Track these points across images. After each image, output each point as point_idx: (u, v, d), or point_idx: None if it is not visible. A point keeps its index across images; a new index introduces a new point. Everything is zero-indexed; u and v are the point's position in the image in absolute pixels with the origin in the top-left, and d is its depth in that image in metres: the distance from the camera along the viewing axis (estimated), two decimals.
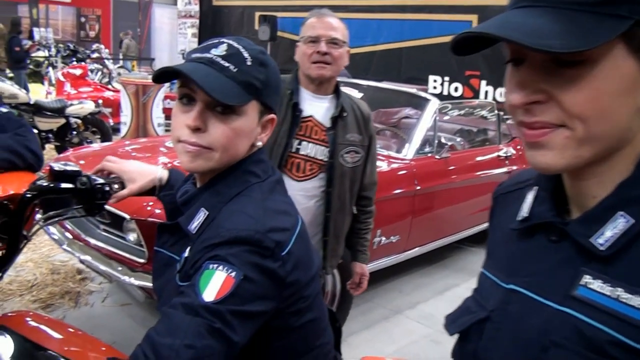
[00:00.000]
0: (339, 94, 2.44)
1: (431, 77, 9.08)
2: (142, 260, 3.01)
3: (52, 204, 1.61)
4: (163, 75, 1.19)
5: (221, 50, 1.17)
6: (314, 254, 1.31)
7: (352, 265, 2.77)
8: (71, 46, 18.79)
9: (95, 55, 17.87)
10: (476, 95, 8.68)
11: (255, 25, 11.71)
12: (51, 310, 3.90)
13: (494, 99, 8.47)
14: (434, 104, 4.50)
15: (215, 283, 1.05)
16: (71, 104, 7.59)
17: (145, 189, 1.61)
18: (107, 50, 19.14)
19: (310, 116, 2.40)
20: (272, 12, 11.05)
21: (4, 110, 2.03)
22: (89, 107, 7.66)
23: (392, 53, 9.60)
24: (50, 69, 15.40)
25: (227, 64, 1.15)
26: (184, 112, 1.18)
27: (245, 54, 1.17)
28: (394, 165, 4.03)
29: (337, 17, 2.41)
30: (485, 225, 4.25)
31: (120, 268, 3.07)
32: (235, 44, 1.18)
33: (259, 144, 1.26)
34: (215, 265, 1.07)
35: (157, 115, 9.39)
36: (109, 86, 13.00)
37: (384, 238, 3.87)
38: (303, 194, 2.42)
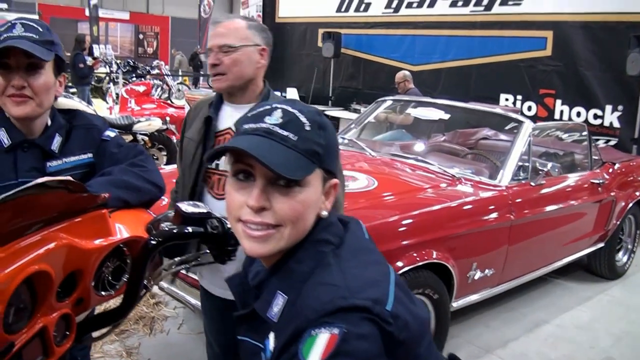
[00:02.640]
0: (263, 98, 2.23)
1: (503, 96, 8.73)
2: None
3: (173, 248, 1.43)
4: (219, 154, 1.11)
5: (276, 117, 1.06)
6: (418, 304, 1.14)
7: None
8: (131, 62, 19.21)
9: (155, 71, 18.17)
10: (551, 115, 8.29)
11: (318, 42, 11.57)
12: (126, 337, 3.78)
13: (570, 119, 8.09)
14: (528, 127, 4.22)
15: (319, 345, 0.95)
16: (138, 121, 7.58)
17: None
18: (167, 67, 19.44)
19: (229, 128, 2.21)
20: (335, 28, 10.94)
21: (112, 134, 1.84)
22: (156, 124, 7.63)
23: (461, 71, 9.29)
24: (111, 84, 15.70)
25: (285, 133, 1.04)
26: (241, 188, 1.08)
27: (303, 119, 1.07)
28: (489, 193, 3.76)
29: (240, 17, 2.21)
30: (577, 255, 3.98)
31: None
32: (290, 109, 1.07)
33: (324, 213, 1.12)
34: (317, 330, 0.96)
35: None
36: (168, 102, 13.11)
37: (478, 272, 3.60)
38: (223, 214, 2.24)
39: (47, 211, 1.18)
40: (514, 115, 4.58)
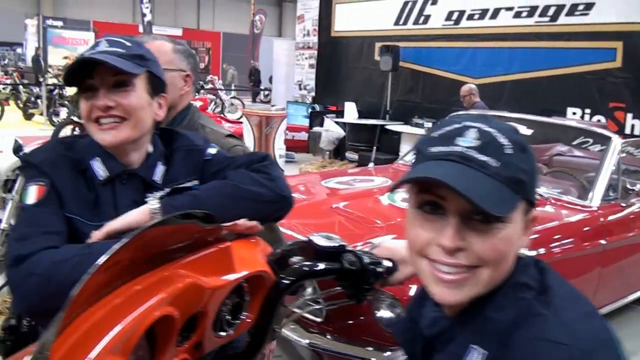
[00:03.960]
0: (175, 121, 2.09)
1: (570, 109, 8.42)
2: (319, 320, 2.70)
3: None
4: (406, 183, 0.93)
5: (471, 138, 0.89)
6: None
7: None
8: None
9: (209, 86, 18.37)
10: (621, 129, 7.92)
11: (375, 56, 11.46)
12: None
13: None
14: (617, 143, 4.00)
15: None
16: None
17: None
18: (220, 82, 19.66)
19: None
20: (392, 42, 10.79)
21: (213, 150, 1.58)
22: None
23: (525, 83, 9.01)
24: None
25: (484, 158, 0.88)
26: (427, 222, 0.92)
27: (502, 139, 0.89)
28: (581, 215, 3.55)
29: (166, 39, 2.12)
30: None
31: (292, 326, 2.75)
32: (485, 127, 0.90)
33: (523, 252, 0.95)
34: None
35: (279, 147, 9.34)
36: (222, 116, 13.20)
37: None
38: None
39: (176, 243, 1.07)
40: (599, 131, 4.35)
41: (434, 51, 10.43)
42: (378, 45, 11.26)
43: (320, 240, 1.21)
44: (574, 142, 4.86)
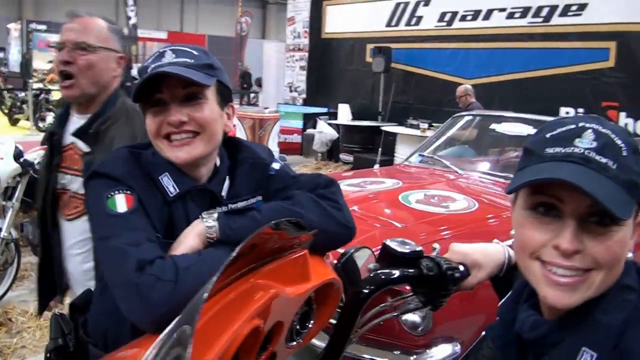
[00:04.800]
0: (107, 105, 1.96)
1: (563, 109, 8.46)
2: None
3: None
4: (534, 184, 0.90)
5: (589, 140, 0.88)
6: None
7: None
8: None
9: None
10: None
11: (366, 57, 11.47)
12: None
13: (635, 132, 7.81)
14: None
15: None
16: None
17: (493, 275, 1.26)
18: None
19: (72, 143, 1.97)
20: (384, 43, 10.81)
21: (277, 166, 1.48)
22: None
23: (519, 84, 9.07)
24: None
25: (604, 160, 0.87)
26: (541, 224, 0.91)
27: (618, 141, 0.88)
28: None
29: (101, 17, 2.00)
30: None
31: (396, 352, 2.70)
32: (601, 129, 0.89)
33: (630, 255, 0.93)
34: None
35: (273, 149, 9.26)
36: None
37: None
38: (78, 238, 1.99)
39: (266, 249, 1.04)
40: None
41: (427, 52, 10.46)
42: (370, 46, 11.28)
43: (397, 246, 1.18)
44: None
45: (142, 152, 1.37)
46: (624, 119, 8.01)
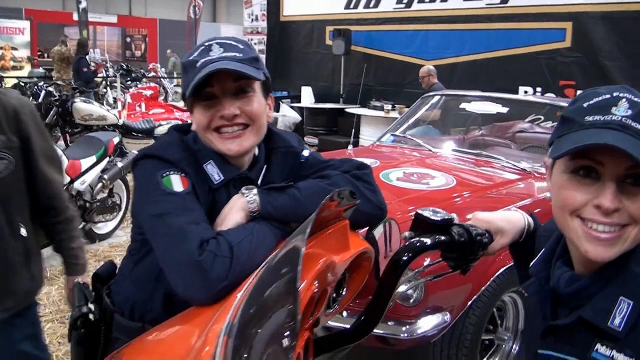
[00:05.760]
0: None
1: (522, 89, 8.65)
2: (415, 299, 2.71)
3: None
4: (583, 149, 0.97)
5: (624, 108, 0.99)
6: None
7: (66, 280, 2.23)
8: (125, 66, 18.93)
9: (151, 74, 17.94)
10: None
11: (326, 40, 11.46)
12: None
13: None
14: None
15: None
16: (160, 125, 7.43)
17: (515, 241, 1.34)
18: (163, 70, 19.23)
19: None
20: (344, 25, 10.83)
21: (307, 153, 1.54)
22: None
23: (477, 65, 9.21)
24: (108, 89, 15.45)
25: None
26: (582, 186, 1.01)
27: None
28: None
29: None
30: None
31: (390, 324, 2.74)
32: (634, 98, 1.00)
33: None
34: None
35: None
36: (174, 105, 12.93)
37: None
38: None
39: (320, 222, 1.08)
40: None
41: (386, 34, 10.51)
42: (329, 29, 11.27)
43: (430, 214, 1.24)
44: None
45: (186, 139, 1.42)
46: None
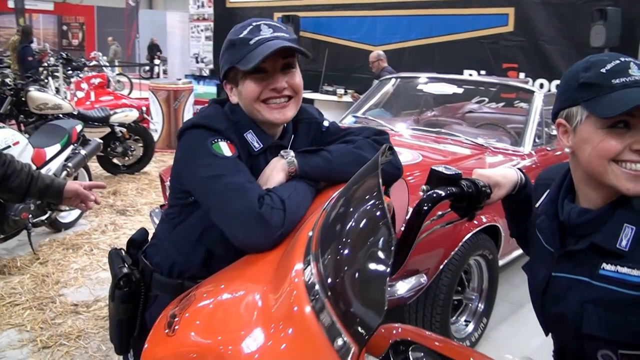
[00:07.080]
0: None
1: (466, 72, 9.00)
2: None
3: None
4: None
5: (636, 69, 1.20)
6: None
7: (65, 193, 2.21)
8: (64, 55, 18.45)
9: (92, 63, 17.53)
10: None
11: None
12: None
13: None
14: (540, 96, 4.49)
15: None
16: (115, 112, 7.40)
17: (509, 193, 1.56)
18: (104, 58, 18.80)
19: None
20: (291, 12, 10.96)
21: (327, 123, 1.74)
22: (133, 114, 7.46)
23: (424, 49, 9.54)
24: (50, 78, 15.07)
25: None
26: (619, 136, 1.21)
27: None
28: (519, 159, 3.99)
29: None
30: None
31: None
32: (635, 61, 1.22)
33: None
34: None
35: None
36: (123, 94, 12.75)
37: None
38: None
39: None
40: (526, 86, 4.83)
41: (334, 20, 10.71)
42: (277, 15, 11.35)
43: (443, 170, 1.44)
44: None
45: (224, 111, 1.59)
46: (523, 79, 8.65)
